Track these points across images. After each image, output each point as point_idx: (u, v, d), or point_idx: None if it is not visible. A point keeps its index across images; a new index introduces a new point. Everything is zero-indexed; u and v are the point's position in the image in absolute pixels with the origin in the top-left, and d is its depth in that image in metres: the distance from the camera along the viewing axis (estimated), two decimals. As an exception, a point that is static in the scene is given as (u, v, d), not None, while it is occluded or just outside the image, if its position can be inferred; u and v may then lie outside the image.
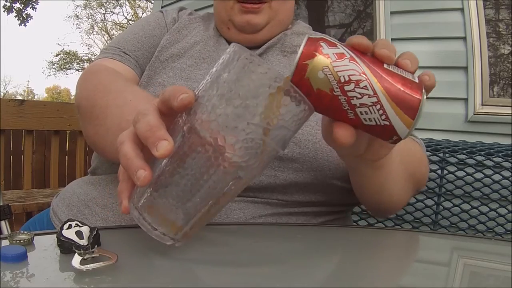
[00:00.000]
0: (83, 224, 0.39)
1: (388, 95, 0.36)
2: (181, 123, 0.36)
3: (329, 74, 0.35)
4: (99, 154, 0.69)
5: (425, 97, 0.36)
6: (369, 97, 0.35)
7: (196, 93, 0.36)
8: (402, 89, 0.36)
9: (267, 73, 0.34)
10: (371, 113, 0.36)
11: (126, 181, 0.39)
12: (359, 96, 0.36)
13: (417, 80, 0.37)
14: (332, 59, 0.35)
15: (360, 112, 0.36)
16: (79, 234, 0.37)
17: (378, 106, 0.36)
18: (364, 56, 0.37)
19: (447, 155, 1.00)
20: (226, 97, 0.34)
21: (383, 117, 0.36)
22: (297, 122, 0.36)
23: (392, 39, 2.19)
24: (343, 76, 0.35)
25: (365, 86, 0.35)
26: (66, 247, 0.36)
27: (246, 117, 0.34)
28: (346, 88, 0.35)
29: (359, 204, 0.80)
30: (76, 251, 0.34)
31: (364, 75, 0.36)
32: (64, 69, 19.58)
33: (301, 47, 0.36)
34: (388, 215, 0.72)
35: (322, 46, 0.36)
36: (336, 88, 0.36)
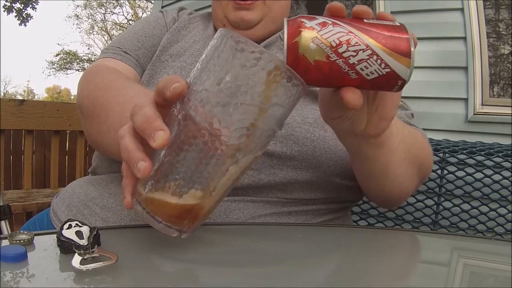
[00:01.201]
0: (83, 224, 0.39)
1: (380, 43, 0.37)
2: (176, 113, 0.36)
3: (320, 43, 0.37)
4: (101, 154, 0.69)
5: (411, 36, 0.38)
6: (363, 51, 0.37)
7: (189, 81, 0.36)
8: (389, 34, 0.38)
9: (254, 52, 0.33)
10: (370, 66, 0.37)
11: (129, 176, 0.39)
12: (355, 54, 0.37)
13: (398, 24, 0.39)
14: (317, 29, 0.37)
15: (361, 68, 0.37)
16: (79, 234, 0.37)
17: (375, 57, 0.37)
18: (344, 18, 0.39)
19: (447, 155, 1.00)
20: (217, 81, 0.34)
21: (383, 65, 0.37)
22: (291, 98, 0.36)
23: (392, 39, 2.19)
24: (333, 40, 0.37)
25: (356, 42, 0.37)
26: (66, 247, 0.36)
27: (238, 98, 0.34)
28: (340, 50, 0.37)
29: (358, 201, 0.80)
30: (76, 251, 0.34)
31: (351, 34, 0.37)
32: (64, 69, 19.59)
33: (285, 29, 0.38)
34: (395, 203, 0.71)
35: (303, 22, 0.37)
36: (331, 53, 0.37)
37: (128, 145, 0.37)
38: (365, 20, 0.38)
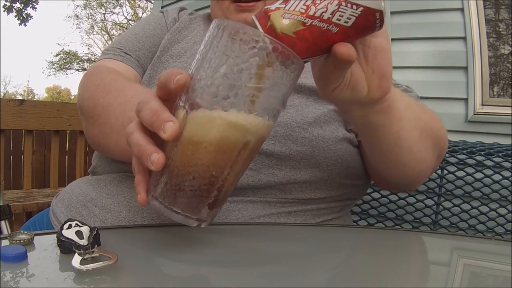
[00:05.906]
0: (83, 224, 0.39)
1: None
2: (181, 104, 0.37)
3: (291, 16, 0.39)
4: (103, 154, 0.69)
5: None
6: (331, 4, 0.39)
7: (190, 72, 0.37)
8: None
9: (251, 34, 0.35)
10: (344, 12, 0.39)
11: (142, 172, 0.39)
12: (325, 9, 0.39)
13: None
14: (282, 7, 0.40)
15: (337, 19, 0.39)
16: (79, 234, 0.37)
17: (344, 3, 0.39)
18: None
19: (447, 155, 1.00)
20: (220, 67, 0.35)
21: (355, 7, 0.39)
22: (291, 76, 0.37)
23: (392, 39, 2.19)
24: (300, 8, 0.39)
25: (321, 0, 0.39)
26: (66, 247, 0.36)
27: (242, 80, 0.35)
28: (311, 12, 0.39)
29: (358, 200, 0.79)
30: (76, 251, 0.34)
31: None
32: (64, 69, 19.60)
33: (256, 22, 0.40)
34: (414, 181, 0.67)
35: (268, 7, 0.40)
36: (304, 19, 0.39)
37: (139, 140, 0.37)
38: None
